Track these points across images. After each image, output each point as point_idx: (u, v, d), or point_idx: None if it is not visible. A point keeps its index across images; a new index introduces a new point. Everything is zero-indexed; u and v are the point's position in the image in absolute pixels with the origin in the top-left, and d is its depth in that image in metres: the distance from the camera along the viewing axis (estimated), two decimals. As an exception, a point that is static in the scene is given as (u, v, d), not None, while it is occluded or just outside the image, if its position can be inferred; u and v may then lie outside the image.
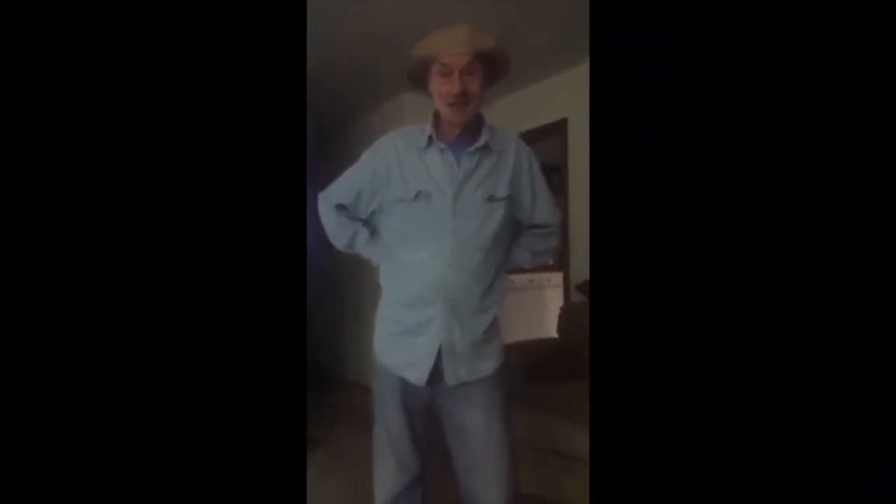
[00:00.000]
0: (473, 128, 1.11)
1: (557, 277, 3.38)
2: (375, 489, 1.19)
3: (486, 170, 1.10)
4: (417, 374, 1.11)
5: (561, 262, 2.99)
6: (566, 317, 2.48)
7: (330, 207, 1.22)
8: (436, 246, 1.08)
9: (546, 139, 2.93)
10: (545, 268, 3.71)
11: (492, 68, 1.07)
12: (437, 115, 1.11)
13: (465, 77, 1.02)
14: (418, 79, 1.12)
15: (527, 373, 2.12)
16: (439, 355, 1.10)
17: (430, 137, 1.09)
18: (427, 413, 1.19)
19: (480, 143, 1.09)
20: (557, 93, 2.87)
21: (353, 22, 2.24)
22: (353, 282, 3.56)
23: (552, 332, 2.54)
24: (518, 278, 3.55)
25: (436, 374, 1.11)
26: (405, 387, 1.15)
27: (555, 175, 3.05)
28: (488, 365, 1.14)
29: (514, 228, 1.19)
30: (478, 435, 1.12)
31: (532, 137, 2.89)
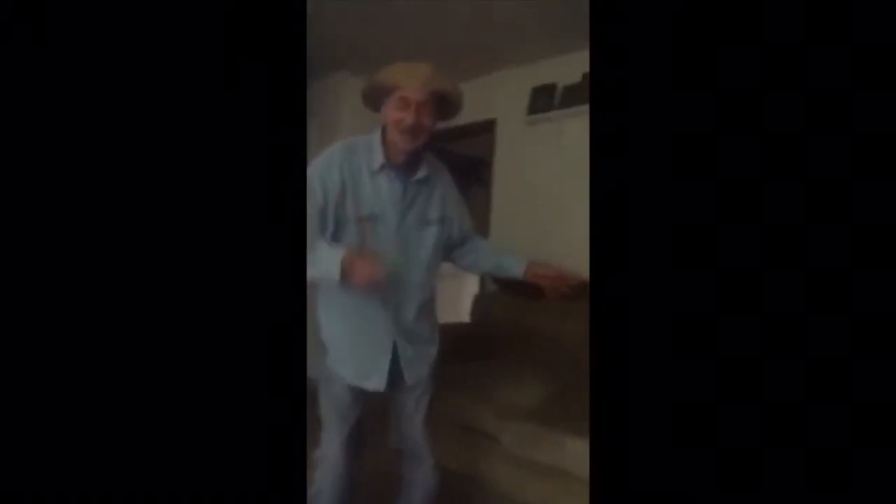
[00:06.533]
0: (415, 156, 1.20)
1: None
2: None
3: (424, 198, 1.24)
4: (376, 382, 1.23)
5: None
6: (478, 305, 2.67)
7: None
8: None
9: (476, 136, 3.07)
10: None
11: (445, 107, 1.18)
12: (384, 137, 1.19)
13: (421, 111, 1.11)
14: (372, 101, 1.19)
15: (441, 352, 2.25)
16: (394, 362, 1.23)
17: (382, 164, 1.17)
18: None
19: (422, 175, 1.21)
20: (486, 92, 2.99)
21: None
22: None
23: (466, 317, 2.70)
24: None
25: (392, 378, 1.24)
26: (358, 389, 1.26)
27: (483, 168, 3.21)
28: (432, 354, 1.33)
29: (446, 245, 1.32)
30: (414, 417, 1.32)
31: (462, 133, 3.02)
